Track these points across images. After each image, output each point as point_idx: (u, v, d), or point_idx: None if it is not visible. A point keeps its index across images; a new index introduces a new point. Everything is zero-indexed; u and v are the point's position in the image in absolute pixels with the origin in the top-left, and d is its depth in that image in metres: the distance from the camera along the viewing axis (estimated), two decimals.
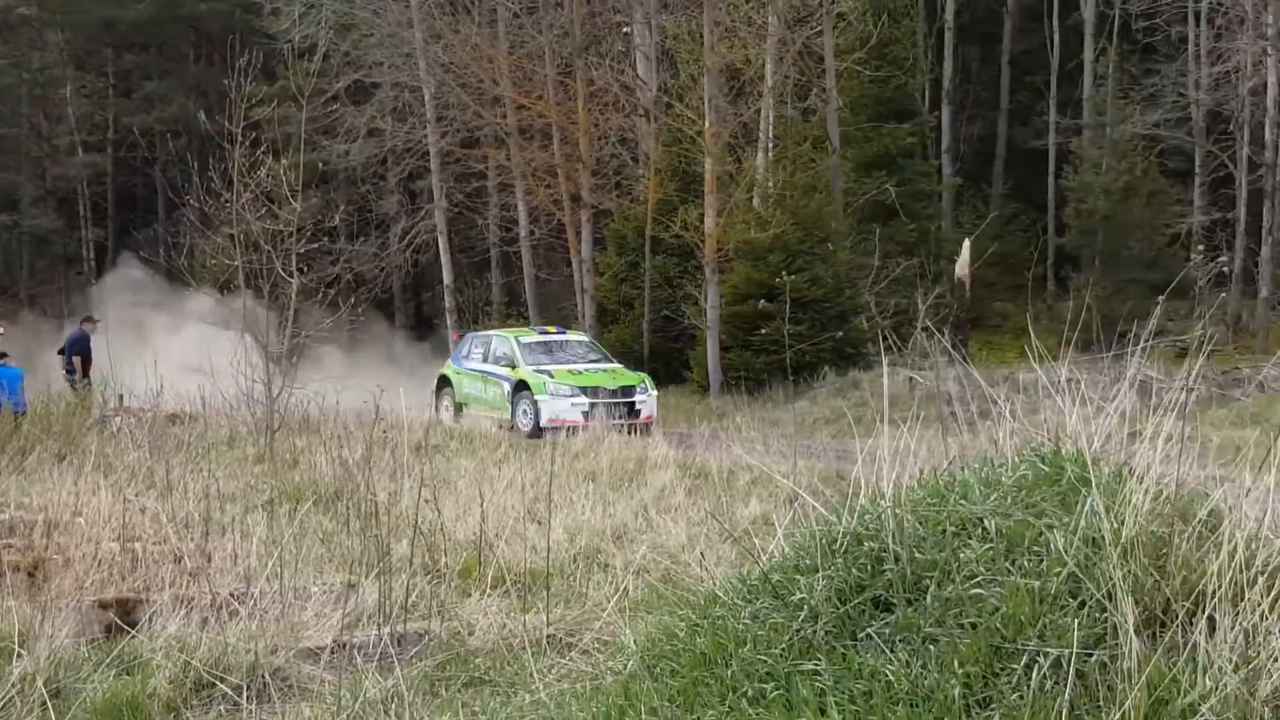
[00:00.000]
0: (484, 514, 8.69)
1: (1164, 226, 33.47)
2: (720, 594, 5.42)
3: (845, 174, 31.48)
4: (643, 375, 22.76)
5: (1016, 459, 5.40)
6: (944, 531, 5.00)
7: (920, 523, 5.08)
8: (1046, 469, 5.21)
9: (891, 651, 4.58)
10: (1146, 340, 5.76)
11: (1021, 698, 4.21)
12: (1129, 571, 4.40)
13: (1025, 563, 4.68)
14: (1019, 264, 34.44)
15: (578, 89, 29.83)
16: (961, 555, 4.80)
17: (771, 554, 5.59)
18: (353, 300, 20.34)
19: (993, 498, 5.09)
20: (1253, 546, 4.39)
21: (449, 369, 23.83)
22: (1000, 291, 33.47)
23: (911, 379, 21.13)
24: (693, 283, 27.95)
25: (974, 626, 4.51)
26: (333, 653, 6.43)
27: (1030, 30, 40.45)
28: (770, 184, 27.72)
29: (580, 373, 21.74)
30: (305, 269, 17.64)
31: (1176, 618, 4.31)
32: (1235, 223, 32.85)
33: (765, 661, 4.78)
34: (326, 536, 9.16)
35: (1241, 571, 4.30)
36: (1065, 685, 4.14)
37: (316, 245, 18.51)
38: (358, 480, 9.36)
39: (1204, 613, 4.24)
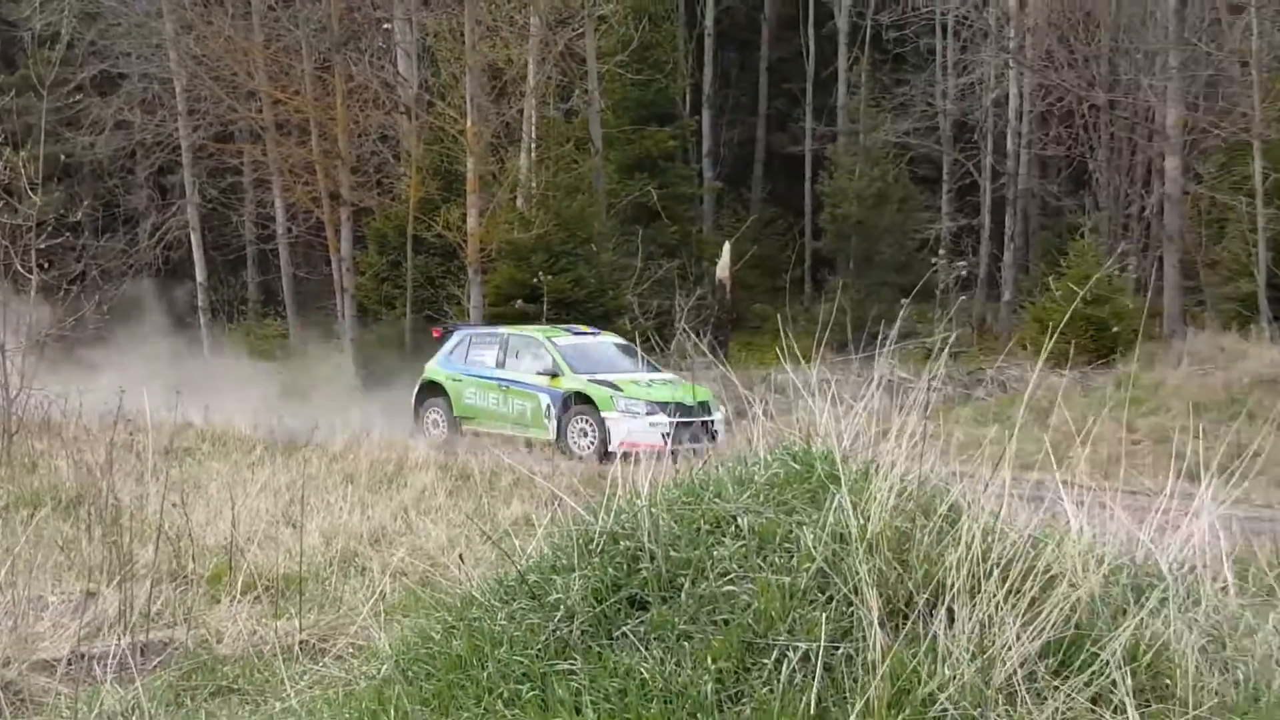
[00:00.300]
0: (235, 518, 8.44)
1: (914, 231, 34.76)
2: (477, 595, 5.38)
3: (608, 175, 31.69)
4: (708, 390, 19.15)
5: (769, 458, 5.50)
6: (699, 530, 5.07)
7: (676, 521, 5.13)
8: (798, 467, 5.32)
9: (646, 649, 4.61)
10: (891, 341, 5.93)
11: (772, 691, 4.28)
12: (874, 566, 4.52)
13: (776, 559, 4.77)
14: (778, 266, 35.29)
15: (336, 85, 29.28)
16: (715, 553, 4.87)
17: (530, 555, 5.58)
18: (98, 298, 19.47)
19: (746, 495, 5.18)
20: (989, 540, 4.56)
21: (437, 374, 20.28)
22: (760, 293, 34.16)
23: None
24: (456, 283, 27.75)
25: (726, 623, 4.57)
26: (70, 664, 6.15)
27: (787, 38, 41.41)
28: (533, 184, 27.70)
29: (649, 385, 18.42)
30: (47, 265, 16.88)
31: (918, 610, 4.44)
32: (980, 229, 34.28)
33: (521, 662, 4.76)
34: (66, 543, 8.76)
35: (978, 564, 4.46)
36: (813, 678, 4.23)
37: (59, 241, 17.66)
38: (100, 484, 9.00)
39: (944, 604, 4.39)
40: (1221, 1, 26.46)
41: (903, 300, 6.36)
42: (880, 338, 6.09)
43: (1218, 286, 28.35)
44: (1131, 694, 4.05)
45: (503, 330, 20.57)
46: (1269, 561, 6.59)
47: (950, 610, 4.37)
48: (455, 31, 27.02)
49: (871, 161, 34.71)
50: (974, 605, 4.36)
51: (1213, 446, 5.52)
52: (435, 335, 22.12)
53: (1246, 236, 26.43)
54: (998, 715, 4.05)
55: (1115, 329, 22.13)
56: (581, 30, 28.68)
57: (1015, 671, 4.17)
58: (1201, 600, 4.70)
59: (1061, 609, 4.34)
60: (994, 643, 4.23)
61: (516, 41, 27.19)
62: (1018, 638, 4.23)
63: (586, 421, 17.89)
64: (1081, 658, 4.27)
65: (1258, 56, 25.04)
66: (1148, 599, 4.46)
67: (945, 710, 4.07)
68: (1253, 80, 25.24)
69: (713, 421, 17.39)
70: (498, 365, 19.38)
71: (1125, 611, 4.54)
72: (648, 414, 17.37)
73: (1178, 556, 4.96)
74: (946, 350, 5.72)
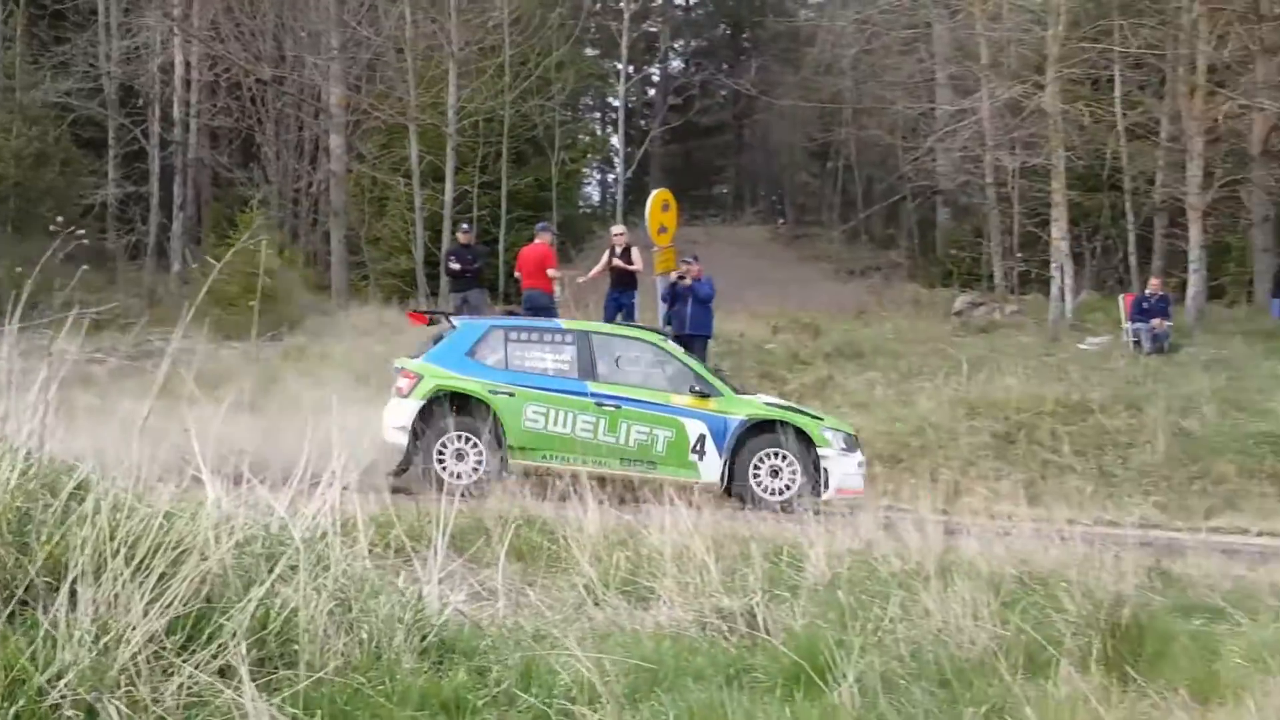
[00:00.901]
0: None
1: (79, 197, 33.18)
2: None
3: None
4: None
5: None
6: None
7: None
8: None
9: None
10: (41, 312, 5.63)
11: None
12: None
13: None
14: None
15: None
16: None
17: None
18: None
19: None
20: (118, 516, 4.43)
21: (460, 382, 13.46)
22: None
23: None
24: None
25: None
26: None
27: None
28: None
29: (822, 413, 14.58)
30: None
31: (40, 595, 4.23)
32: (150, 196, 33.45)
33: None
34: None
35: (106, 542, 4.32)
36: None
37: None
38: None
39: (66, 586, 4.20)
40: None
41: (17, 269, 5.97)
42: (16, 304, 5.77)
43: (380, 262, 29.76)
44: (255, 662, 4.11)
45: (565, 324, 14.66)
46: (411, 525, 7.02)
47: (73, 592, 4.20)
48: None
49: (30, 121, 32.73)
50: (99, 585, 4.21)
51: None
52: (417, 322, 15.81)
53: (405, 215, 27.94)
54: (117, 698, 3.94)
55: (253, 303, 22.52)
56: None
57: (140, 650, 4.08)
58: (332, 565, 4.87)
59: (191, 582, 4.32)
60: (119, 622, 4.12)
61: None
62: (144, 614, 4.15)
63: (781, 458, 13.28)
64: (210, 630, 4.27)
65: (412, 44, 26.48)
66: (276, 567, 4.55)
67: (63, 697, 3.89)
68: (408, 66, 26.65)
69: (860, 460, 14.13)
70: (583, 376, 13.77)
71: (258, 581, 4.60)
72: (847, 449, 13.56)
73: (312, 524, 5.10)
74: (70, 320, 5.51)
